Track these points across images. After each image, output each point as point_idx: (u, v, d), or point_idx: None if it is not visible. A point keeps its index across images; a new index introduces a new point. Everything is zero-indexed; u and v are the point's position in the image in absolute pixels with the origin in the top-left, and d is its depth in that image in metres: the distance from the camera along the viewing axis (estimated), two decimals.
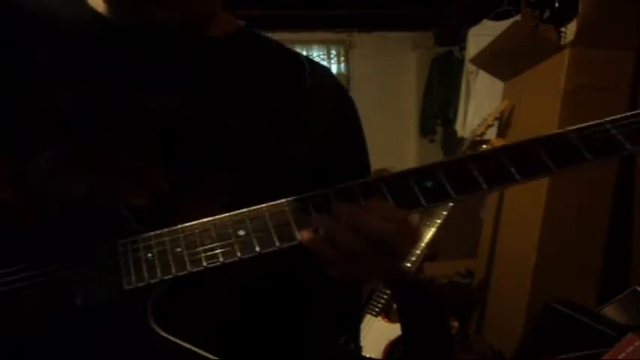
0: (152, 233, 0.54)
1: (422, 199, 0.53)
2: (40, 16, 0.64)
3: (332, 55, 3.58)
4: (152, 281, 0.52)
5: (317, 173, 0.56)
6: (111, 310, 0.52)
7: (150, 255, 0.53)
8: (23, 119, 0.60)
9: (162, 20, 0.64)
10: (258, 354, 0.65)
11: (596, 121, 0.52)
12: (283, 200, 0.54)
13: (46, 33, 0.63)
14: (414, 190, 0.53)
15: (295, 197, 0.54)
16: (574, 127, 0.52)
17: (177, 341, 0.51)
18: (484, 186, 0.52)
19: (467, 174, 0.53)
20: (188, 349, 0.51)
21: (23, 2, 0.64)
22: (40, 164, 0.58)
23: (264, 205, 0.54)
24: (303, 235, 0.52)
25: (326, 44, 3.60)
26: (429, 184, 0.53)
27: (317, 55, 3.53)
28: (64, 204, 0.57)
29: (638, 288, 1.67)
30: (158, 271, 0.52)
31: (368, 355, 1.76)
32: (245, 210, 0.54)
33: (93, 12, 0.65)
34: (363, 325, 1.88)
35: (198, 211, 0.55)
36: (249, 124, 0.65)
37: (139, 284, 0.52)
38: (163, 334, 0.51)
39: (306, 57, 0.77)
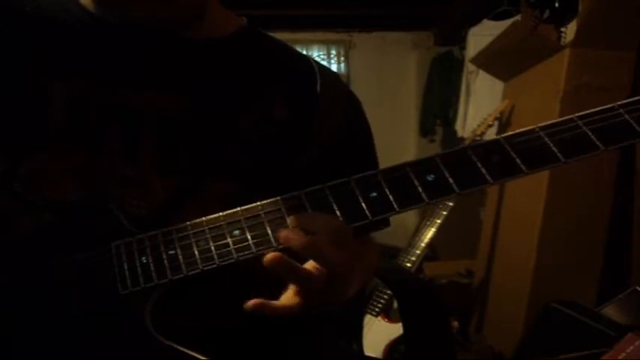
0: (146, 235, 0.53)
1: (423, 194, 0.50)
2: (31, 15, 0.62)
3: (332, 55, 3.58)
4: (147, 286, 0.51)
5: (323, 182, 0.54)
6: (108, 315, 0.51)
7: (144, 259, 0.52)
8: (16, 121, 0.59)
9: (149, 18, 0.62)
10: (259, 357, 0.64)
11: (606, 106, 0.51)
12: (278, 198, 0.53)
13: (39, 32, 0.62)
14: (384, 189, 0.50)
15: (290, 195, 0.53)
16: (579, 114, 0.51)
17: (176, 346, 0.50)
18: (489, 179, 0.50)
19: (469, 167, 0.51)
20: (187, 354, 0.50)
21: (15, 1, 0.63)
22: (34, 167, 0.58)
23: (258, 203, 0.53)
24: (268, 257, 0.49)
25: (326, 44, 3.59)
26: (431, 177, 0.51)
27: (317, 55, 3.52)
28: (58, 208, 0.56)
29: (638, 288, 1.66)
30: (153, 275, 0.51)
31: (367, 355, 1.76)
32: (239, 209, 0.53)
33: (85, 10, 0.64)
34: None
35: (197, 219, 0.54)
36: (249, 130, 0.64)
37: (135, 289, 0.51)
38: (161, 339, 0.50)
39: (316, 61, 0.74)
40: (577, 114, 0.51)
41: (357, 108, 0.77)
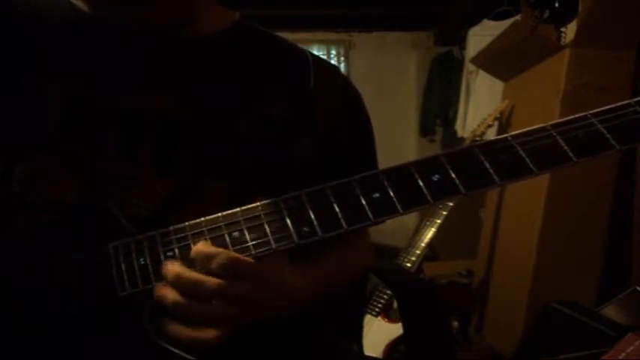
0: (144, 236, 0.53)
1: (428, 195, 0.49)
2: (26, 15, 0.62)
3: (332, 55, 3.58)
4: (145, 288, 0.51)
5: (322, 180, 0.53)
6: (107, 316, 0.51)
7: (142, 260, 0.51)
8: (15, 121, 0.59)
9: (136, 18, 0.62)
10: (258, 359, 0.64)
11: (621, 103, 0.48)
12: (279, 199, 0.52)
13: (35, 32, 0.61)
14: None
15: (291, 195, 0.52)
16: (593, 111, 0.48)
17: (174, 349, 0.50)
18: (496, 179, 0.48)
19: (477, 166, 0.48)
20: (186, 357, 0.50)
21: (8, 1, 0.63)
22: (34, 167, 0.57)
23: (258, 203, 0.52)
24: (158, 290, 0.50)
25: (326, 44, 3.59)
26: (436, 177, 0.49)
27: None
28: (58, 208, 0.56)
29: (638, 288, 1.66)
30: (152, 277, 0.51)
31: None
32: (238, 209, 0.52)
33: (78, 10, 0.63)
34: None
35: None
36: (249, 130, 0.63)
37: (133, 290, 0.51)
38: (159, 341, 0.50)
39: (312, 54, 0.73)
40: (591, 111, 0.48)
41: (354, 101, 0.76)
